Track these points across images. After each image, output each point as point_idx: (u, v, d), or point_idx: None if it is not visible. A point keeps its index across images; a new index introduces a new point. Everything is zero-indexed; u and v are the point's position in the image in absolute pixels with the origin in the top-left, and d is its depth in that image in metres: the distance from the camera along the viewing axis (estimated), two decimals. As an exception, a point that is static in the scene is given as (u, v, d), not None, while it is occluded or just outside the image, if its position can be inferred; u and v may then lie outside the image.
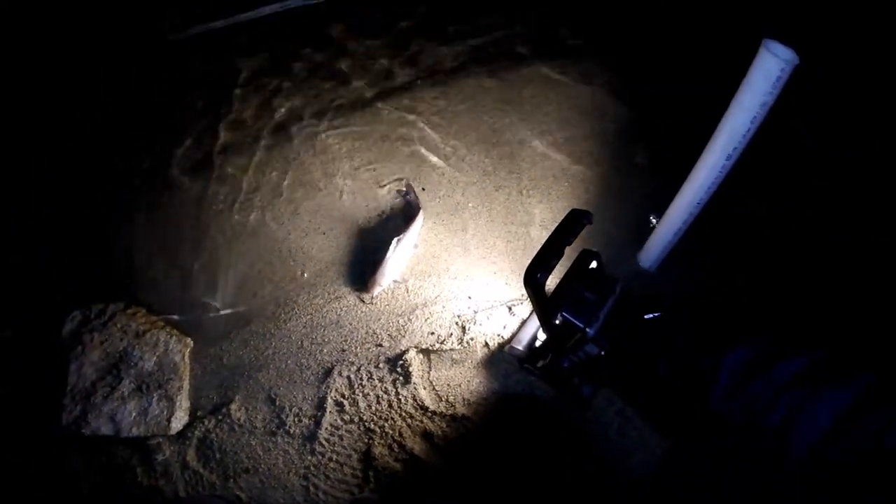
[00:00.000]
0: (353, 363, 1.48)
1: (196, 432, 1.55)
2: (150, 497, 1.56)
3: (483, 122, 1.87)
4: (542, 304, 0.97)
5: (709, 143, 1.22)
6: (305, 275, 1.63)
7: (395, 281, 1.57)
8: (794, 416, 0.58)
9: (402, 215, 1.71)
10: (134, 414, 1.60)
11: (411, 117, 1.92)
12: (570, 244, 0.94)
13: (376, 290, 1.54)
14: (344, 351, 1.50)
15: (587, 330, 0.96)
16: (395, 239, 1.55)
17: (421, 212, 1.66)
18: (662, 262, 1.49)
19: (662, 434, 1.28)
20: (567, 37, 2.07)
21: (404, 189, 1.75)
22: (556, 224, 0.97)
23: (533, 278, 0.90)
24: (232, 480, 1.51)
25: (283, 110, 2.04)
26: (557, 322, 1.00)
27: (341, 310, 1.55)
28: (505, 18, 2.17)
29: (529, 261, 0.90)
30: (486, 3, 2.23)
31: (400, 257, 1.56)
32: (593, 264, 1.04)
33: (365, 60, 2.13)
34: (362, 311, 1.54)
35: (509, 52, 2.06)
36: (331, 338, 1.52)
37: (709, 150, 1.23)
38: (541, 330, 1.30)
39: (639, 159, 1.72)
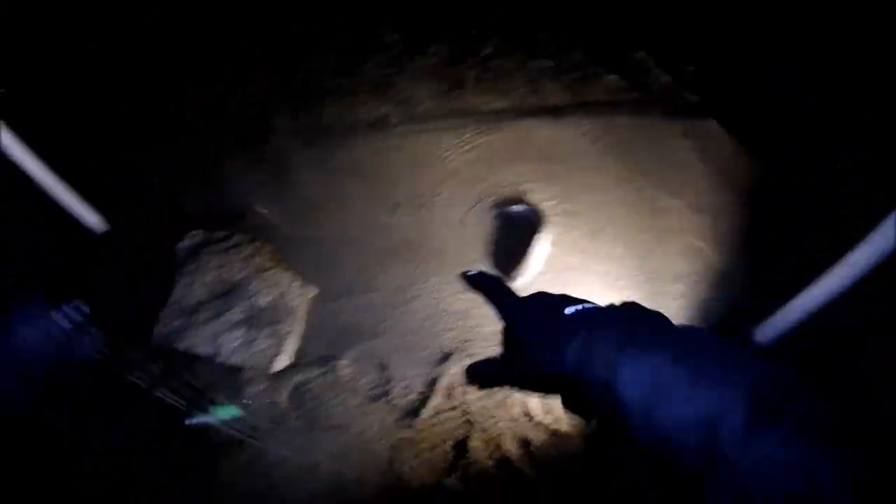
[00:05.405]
0: (473, 355, 1.52)
1: (296, 377, 1.59)
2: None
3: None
4: None
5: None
6: (440, 260, 1.69)
7: (539, 273, 1.62)
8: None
9: (527, 217, 1.75)
10: (238, 342, 1.63)
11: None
12: None
13: (522, 281, 1.59)
14: (466, 342, 1.54)
15: None
16: (537, 234, 1.60)
17: (544, 216, 1.70)
18: (781, 341, 1.53)
19: None
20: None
21: (508, 198, 1.77)
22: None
23: None
24: (318, 432, 1.54)
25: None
26: None
27: (470, 301, 1.59)
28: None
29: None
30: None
31: (541, 252, 1.62)
32: None
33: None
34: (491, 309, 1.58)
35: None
36: (456, 326, 1.56)
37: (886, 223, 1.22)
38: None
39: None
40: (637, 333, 0.52)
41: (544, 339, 0.57)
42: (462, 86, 1.99)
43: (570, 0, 2.10)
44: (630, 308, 0.58)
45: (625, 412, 0.49)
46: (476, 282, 0.67)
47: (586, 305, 0.59)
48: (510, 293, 0.64)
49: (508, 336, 0.61)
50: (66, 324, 1.31)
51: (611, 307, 0.58)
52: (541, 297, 0.63)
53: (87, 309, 1.34)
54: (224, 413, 1.49)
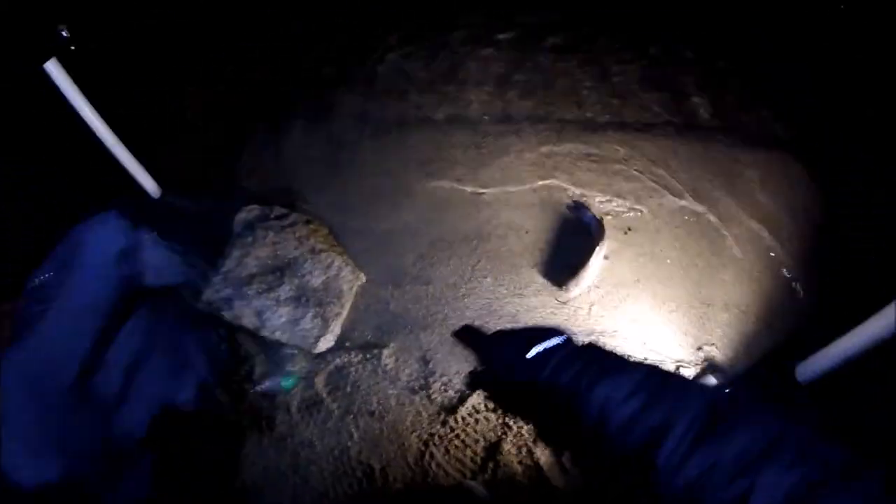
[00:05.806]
0: (517, 359, 1.54)
1: (337, 360, 1.61)
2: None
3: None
4: None
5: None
6: (497, 261, 1.71)
7: (592, 286, 1.62)
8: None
9: (587, 227, 1.75)
10: (283, 319, 1.65)
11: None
12: None
13: (576, 291, 1.60)
14: (512, 345, 1.56)
15: None
16: (598, 246, 1.61)
17: (603, 228, 1.70)
18: (820, 380, 1.52)
19: None
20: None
21: (573, 204, 1.80)
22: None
23: None
24: (352, 417, 1.56)
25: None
26: None
27: (521, 307, 1.61)
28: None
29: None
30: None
31: (597, 264, 1.63)
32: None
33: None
34: (540, 316, 1.60)
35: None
36: (504, 329, 1.58)
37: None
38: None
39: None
40: (592, 371, 0.63)
41: (511, 376, 0.71)
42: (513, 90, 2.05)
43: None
44: (588, 349, 0.70)
45: (584, 434, 0.62)
46: (460, 334, 0.89)
47: (547, 345, 0.70)
48: (484, 336, 0.84)
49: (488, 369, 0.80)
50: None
51: (573, 349, 0.70)
52: (507, 338, 0.79)
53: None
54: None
